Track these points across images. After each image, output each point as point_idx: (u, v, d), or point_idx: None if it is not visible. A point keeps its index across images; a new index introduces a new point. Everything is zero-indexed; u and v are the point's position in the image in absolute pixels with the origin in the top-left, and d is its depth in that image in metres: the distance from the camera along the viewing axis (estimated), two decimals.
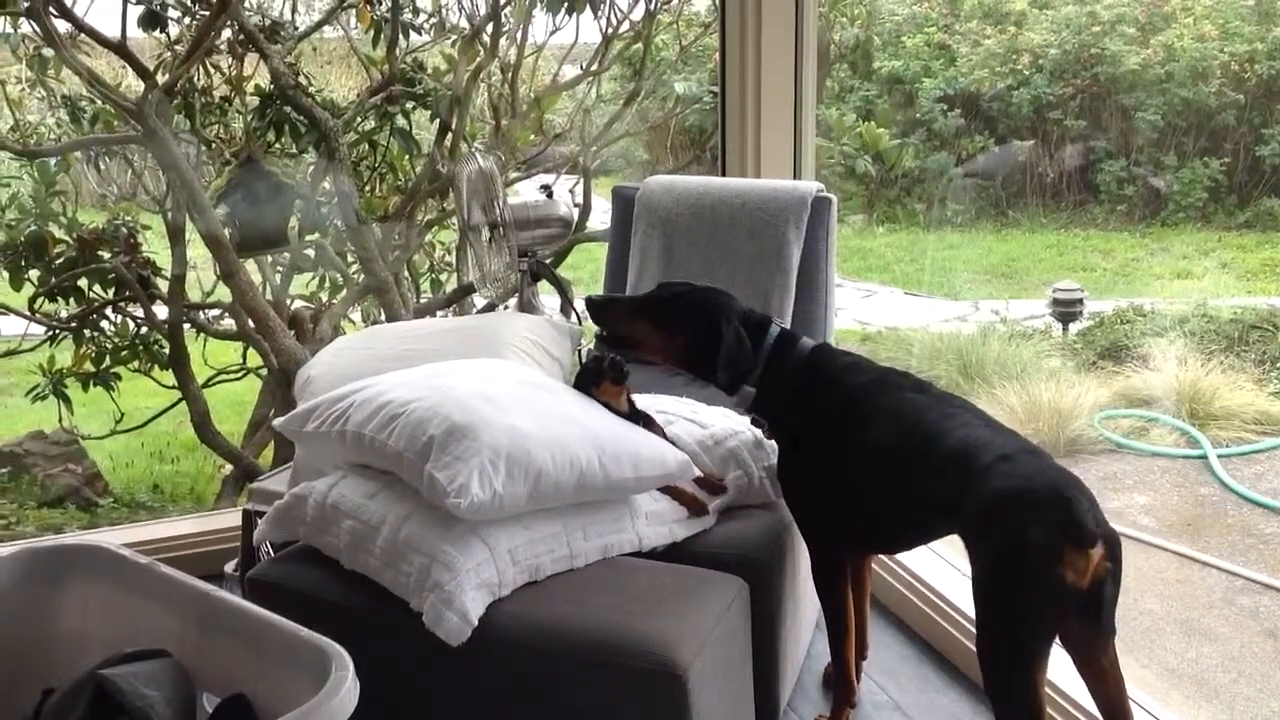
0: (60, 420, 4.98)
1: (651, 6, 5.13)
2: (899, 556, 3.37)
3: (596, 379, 2.67)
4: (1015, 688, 2.15)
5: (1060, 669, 2.28)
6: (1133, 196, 8.09)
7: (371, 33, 4.75)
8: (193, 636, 1.97)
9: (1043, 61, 8.33)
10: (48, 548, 2.23)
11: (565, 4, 4.82)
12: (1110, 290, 7.39)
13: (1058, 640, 2.17)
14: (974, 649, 2.98)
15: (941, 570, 3.34)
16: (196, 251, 4.63)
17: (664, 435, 2.68)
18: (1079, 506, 2.10)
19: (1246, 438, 5.31)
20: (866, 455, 2.45)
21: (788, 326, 2.77)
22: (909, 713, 2.92)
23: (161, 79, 4.36)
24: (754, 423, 2.70)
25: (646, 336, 2.69)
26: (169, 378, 4.82)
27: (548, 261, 3.73)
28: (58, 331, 4.77)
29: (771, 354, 2.61)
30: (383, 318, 4.77)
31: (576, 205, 4.78)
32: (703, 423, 2.86)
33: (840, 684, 2.75)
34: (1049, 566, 2.06)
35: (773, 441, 2.76)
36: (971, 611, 3.06)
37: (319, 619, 2.07)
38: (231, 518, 3.67)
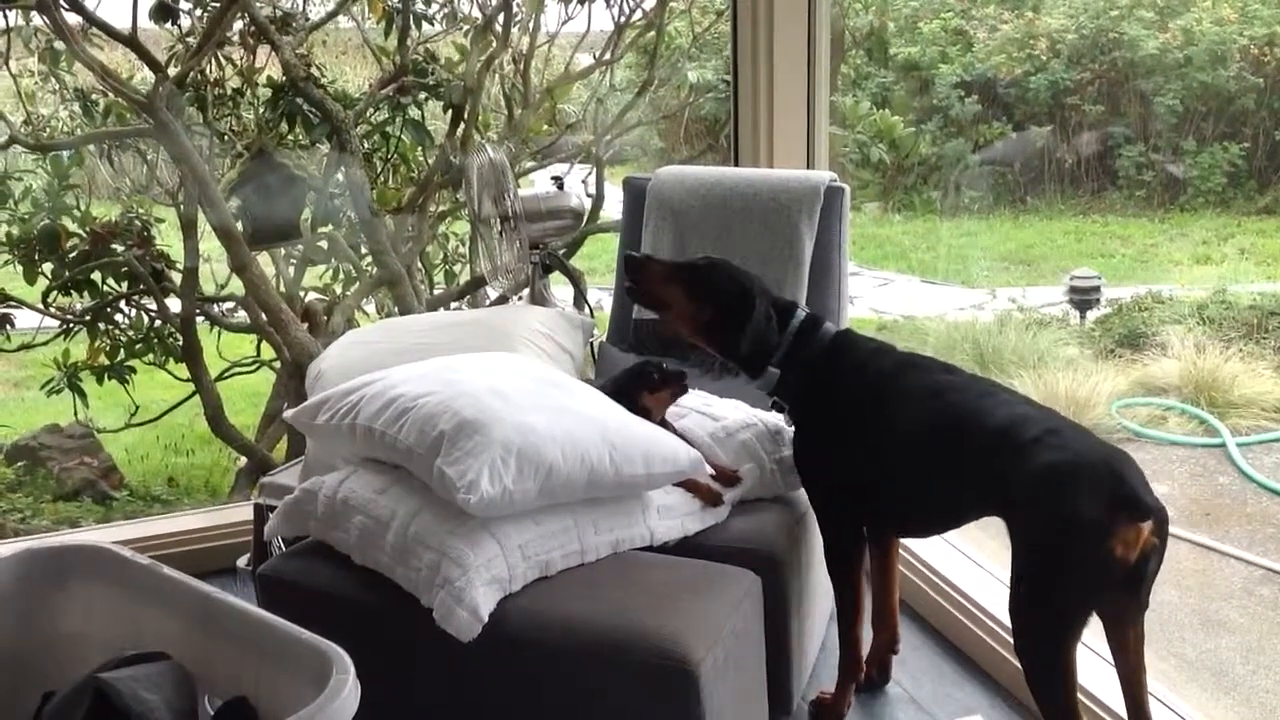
0: (75, 413, 5.00)
1: None
2: (915, 550, 3.35)
3: (653, 385, 2.68)
4: (1051, 656, 2.19)
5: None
6: (1151, 182, 8.04)
7: (383, 23, 4.73)
8: (194, 639, 1.95)
9: (1060, 47, 8.28)
10: (48, 548, 2.22)
11: None
12: (1128, 277, 7.34)
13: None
14: (989, 642, 3.00)
15: (958, 563, 3.32)
16: (209, 244, 4.63)
17: (675, 432, 2.67)
18: (1131, 481, 2.13)
19: (1266, 426, 5.27)
20: (901, 436, 2.45)
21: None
22: (924, 706, 2.90)
23: (173, 71, 4.36)
24: (775, 406, 2.69)
25: (677, 302, 2.67)
26: (183, 371, 4.82)
27: (560, 253, 3.72)
28: (72, 325, 4.78)
29: (797, 336, 2.62)
30: (395, 310, 4.77)
31: (589, 195, 4.77)
32: (715, 415, 2.84)
33: (847, 663, 2.75)
34: (1100, 540, 2.09)
35: (791, 427, 2.75)
36: (986, 604, 3.08)
37: (329, 615, 2.07)
38: (244, 511, 3.66)
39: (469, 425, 2.29)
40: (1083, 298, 6.83)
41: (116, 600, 2.09)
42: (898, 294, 7.87)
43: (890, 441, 2.47)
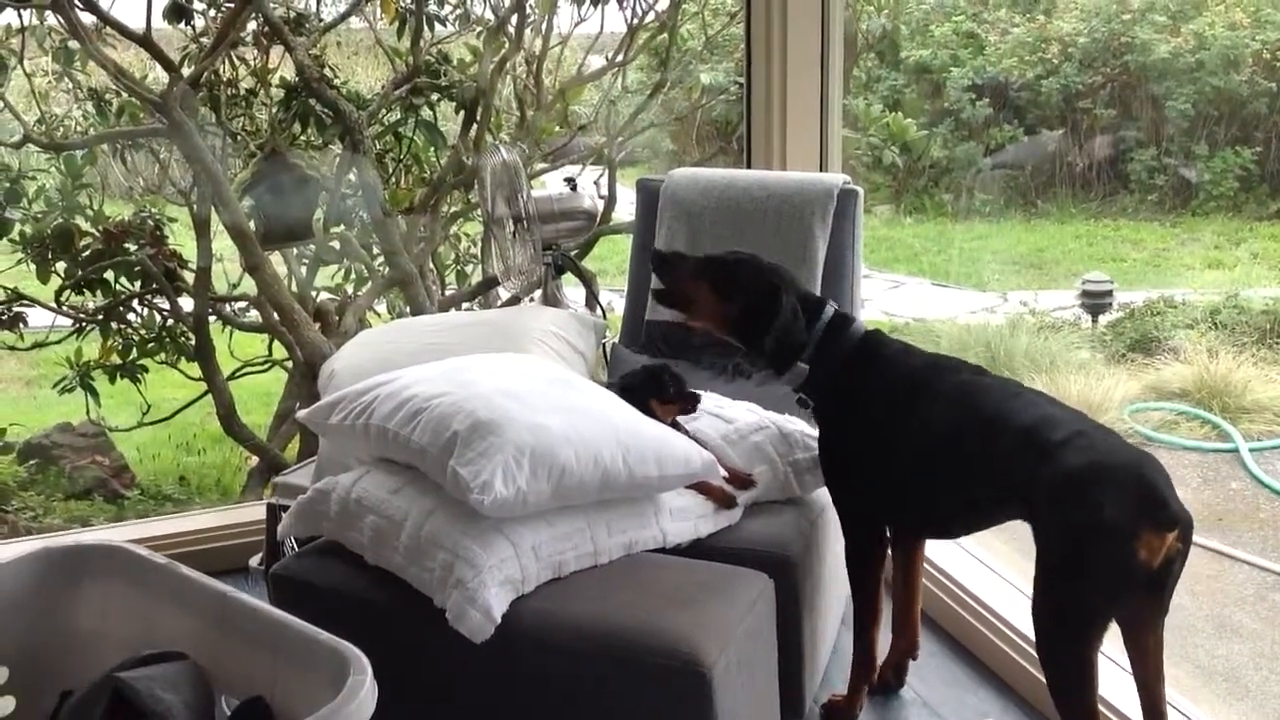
0: (87, 412, 5.00)
1: None
2: (929, 555, 3.34)
3: (665, 395, 2.68)
4: (1073, 660, 2.19)
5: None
6: (1163, 186, 8.00)
7: (396, 24, 4.74)
8: (211, 638, 1.96)
9: (1072, 50, 8.25)
10: (66, 548, 2.22)
11: None
12: (1140, 281, 7.32)
13: None
14: (1002, 647, 2.99)
15: (970, 567, 3.31)
16: (222, 244, 4.64)
17: (688, 434, 2.67)
18: (1158, 486, 2.12)
19: (1278, 431, 5.25)
20: (928, 435, 2.45)
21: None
22: (936, 710, 2.90)
23: (187, 71, 4.37)
24: (800, 402, 2.68)
25: (703, 299, 2.66)
26: (195, 370, 4.83)
27: (572, 254, 3.72)
28: (84, 324, 4.78)
29: (825, 334, 2.60)
30: (407, 310, 4.77)
31: (602, 197, 4.77)
32: (728, 417, 2.84)
33: (861, 666, 2.75)
34: (1126, 545, 2.08)
35: (808, 430, 2.74)
36: (1000, 609, 3.07)
37: (342, 615, 2.07)
38: (256, 511, 3.67)
39: (482, 426, 2.29)
40: (1095, 301, 6.80)
41: (133, 599, 2.09)
42: (909, 297, 7.86)
43: (917, 441, 2.46)
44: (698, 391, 2.76)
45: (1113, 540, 2.10)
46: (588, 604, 2.27)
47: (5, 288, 4.68)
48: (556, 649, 2.21)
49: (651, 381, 2.71)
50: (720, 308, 2.65)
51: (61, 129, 4.94)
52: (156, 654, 1.91)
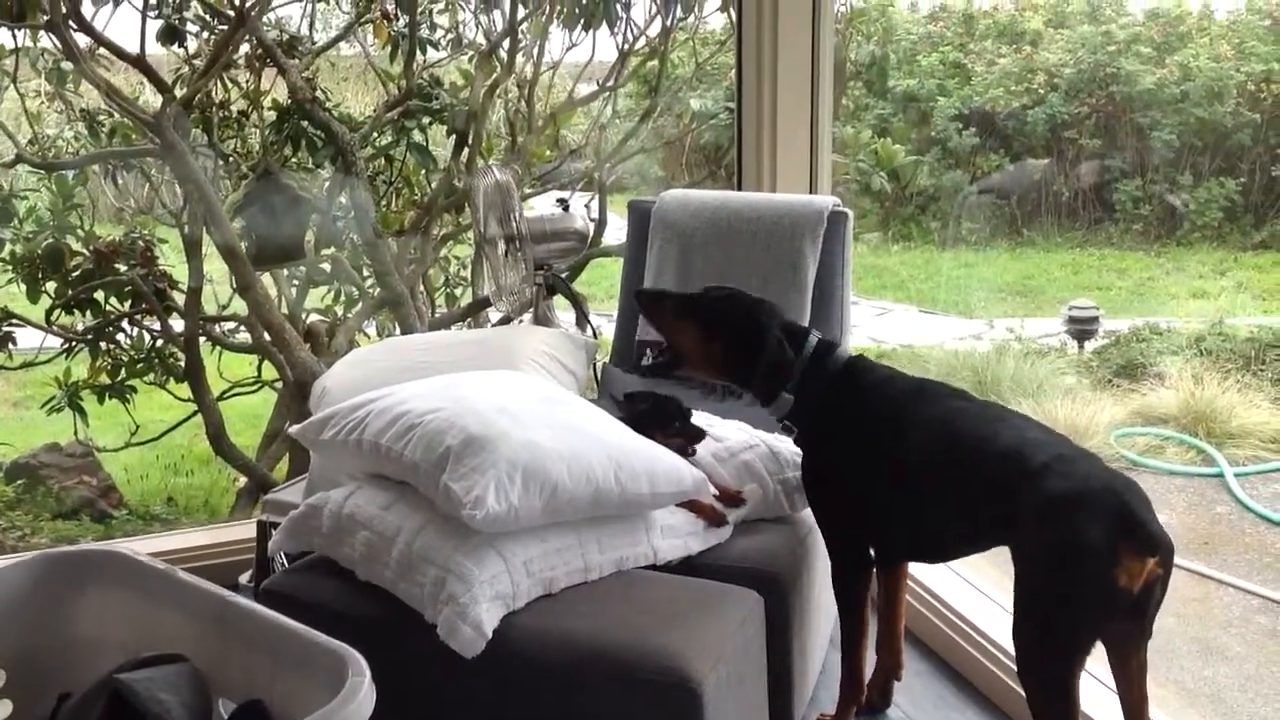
0: (76, 432, 4.99)
1: (668, 23, 5.14)
2: (916, 575, 3.35)
3: (670, 430, 2.70)
4: (1055, 683, 2.18)
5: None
6: (1148, 215, 8.07)
7: (389, 48, 4.77)
8: (210, 642, 1.96)
9: (1058, 80, 8.33)
10: (66, 553, 2.23)
11: (582, 20, 4.84)
12: (1126, 309, 7.37)
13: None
14: (989, 667, 3.00)
15: (958, 588, 3.32)
16: (213, 265, 4.65)
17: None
18: (1138, 510, 2.12)
19: (1263, 457, 5.28)
20: (912, 461, 2.44)
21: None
22: None
23: (180, 93, 4.39)
24: (785, 430, 2.69)
25: (689, 339, 2.66)
26: (184, 390, 4.83)
27: (563, 275, 3.73)
28: (74, 344, 4.77)
29: (810, 361, 2.60)
30: (397, 331, 4.78)
31: (592, 220, 4.79)
32: (718, 436, 2.85)
33: (849, 685, 2.75)
34: (1105, 569, 2.08)
35: (798, 450, 2.76)
36: (986, 629, 3.08)
37: (333, 630, 2.06)
38: (246, 529, 3.66)
39: (476, 441, 2.30)
40: (1081, 328, 6.85)
41: (133, 604, 2.10)
42: (896, 323, 7.89)
43: (900, 466, 2.46)
44: (703, 429, 2.77)
45: (1093, 564, 2.10)
46: (579, 620, 2.27)
47: None
48: (547, 665, 2.21)
49: (658, 412, 2.72)
50: (708, 347, 2.65)
51: (53, 149, 4.95)
52: (155, 656, 1.92)
